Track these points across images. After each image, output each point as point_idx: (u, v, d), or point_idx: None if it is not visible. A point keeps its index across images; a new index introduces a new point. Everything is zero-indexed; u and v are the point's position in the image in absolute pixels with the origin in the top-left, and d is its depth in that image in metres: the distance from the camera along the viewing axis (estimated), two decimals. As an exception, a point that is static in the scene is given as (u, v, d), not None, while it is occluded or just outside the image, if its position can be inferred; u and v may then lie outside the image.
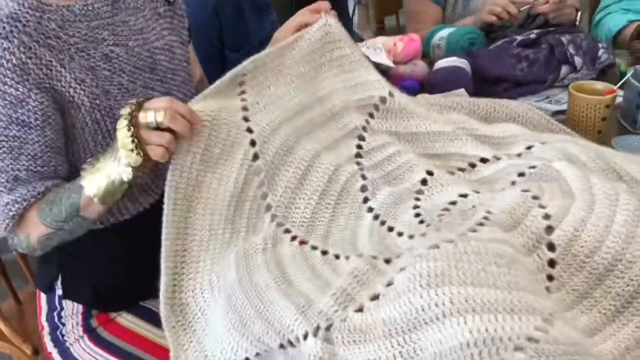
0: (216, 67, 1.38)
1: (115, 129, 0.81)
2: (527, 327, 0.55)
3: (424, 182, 0.93)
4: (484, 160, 0.95)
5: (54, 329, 1.06)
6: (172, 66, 1.04)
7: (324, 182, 0.93)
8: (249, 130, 0.90)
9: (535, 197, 0.76)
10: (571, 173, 0.78)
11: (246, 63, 0.94)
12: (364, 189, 0.94)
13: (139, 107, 0.81)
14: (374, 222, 0.90)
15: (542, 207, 0.74)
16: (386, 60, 1.27)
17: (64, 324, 1.05)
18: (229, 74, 0.92)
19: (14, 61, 0.83)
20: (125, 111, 0.80)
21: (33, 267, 1.22)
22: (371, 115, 1.02)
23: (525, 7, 1.49)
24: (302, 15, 1.05)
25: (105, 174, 0.81)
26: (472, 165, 0.96)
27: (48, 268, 1.05)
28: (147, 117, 0.79)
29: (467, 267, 0.61)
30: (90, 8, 0.92)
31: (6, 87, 0.83)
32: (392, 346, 0.61)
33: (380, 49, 1.28)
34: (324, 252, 0.84)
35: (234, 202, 0.88)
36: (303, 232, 0.88)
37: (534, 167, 0.84)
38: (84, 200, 0.84)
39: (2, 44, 0.82)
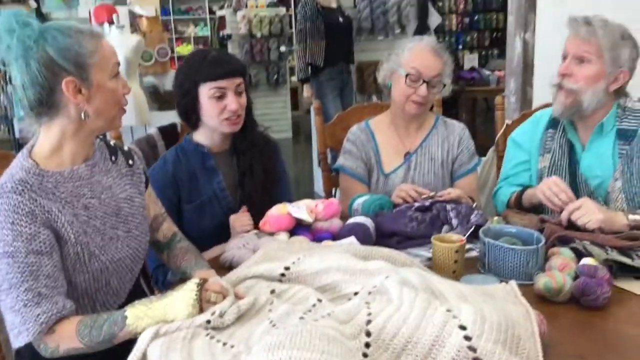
0: (174, 217, 1.76)
1: (89, 260, 1.23)
2: (321, 372, 0.86)
3: (314, 305, 1.24)
4: (356, 293, 1.27)
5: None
6: (132, 211, 1.39)
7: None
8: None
9: (367, 302, 1.10)
10: (393, 288, 1.12)
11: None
12: (270, 310, 1.25)
13: (202, 285, 1.17)
14: (269, 325, 1.20)
15: (368, 308, 1.07)
16: (306, 216, 1.65)
17: None
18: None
19: (26, 209, 1.19)
20: (192, 287, 1.15)
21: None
22: (280, 281, 1.35)
23: (425, 196, 1.84)
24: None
25: (154, 319, 1.13)
26: (349, 299, 1.28)
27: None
28: (211, 298, 1.18)
29: (298, 339, 0.93)
30: (75, 172, 1.29)
31: (22, 227, 1.18)
32: (241, 390, 0.90)
33: (302, 208, 1.67)
34: (224, 344, 1.13)
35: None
36: (217, 332, 1.18)
37: (375, 286, 1.18)
38: (124, 333, 1.14)
39: (17, 198, 1.19)
